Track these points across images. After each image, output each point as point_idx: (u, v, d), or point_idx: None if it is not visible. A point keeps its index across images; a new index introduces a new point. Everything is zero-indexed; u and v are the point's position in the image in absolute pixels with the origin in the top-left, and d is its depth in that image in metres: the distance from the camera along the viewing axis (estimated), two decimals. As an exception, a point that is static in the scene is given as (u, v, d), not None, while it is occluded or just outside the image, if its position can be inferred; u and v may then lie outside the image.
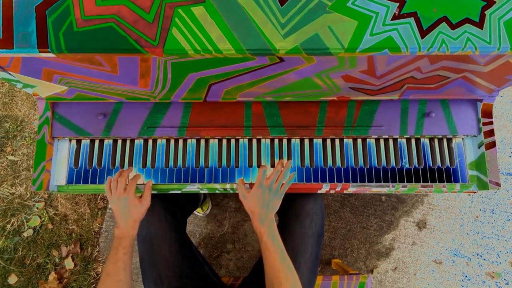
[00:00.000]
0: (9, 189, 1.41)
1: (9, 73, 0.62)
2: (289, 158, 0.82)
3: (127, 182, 0.77)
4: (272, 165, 0.81)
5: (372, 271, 1.36)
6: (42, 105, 0.79)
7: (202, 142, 0.83)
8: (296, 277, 0.67)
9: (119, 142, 0.83)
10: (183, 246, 0.83)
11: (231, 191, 0.81)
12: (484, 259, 1.35)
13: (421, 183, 0.81)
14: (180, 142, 0.83)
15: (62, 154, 0.82)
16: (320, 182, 0.81)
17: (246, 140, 0.83)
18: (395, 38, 0.52)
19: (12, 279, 1.34)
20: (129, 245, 0.72)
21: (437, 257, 1.36)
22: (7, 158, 1.45)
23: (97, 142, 0.83)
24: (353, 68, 0.61)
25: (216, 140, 0.83)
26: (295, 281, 0.67)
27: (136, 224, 0.74)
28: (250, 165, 0.82)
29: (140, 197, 0.76)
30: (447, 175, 0.81)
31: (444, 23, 0.52)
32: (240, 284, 0.91)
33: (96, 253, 1.38)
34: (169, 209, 0.84)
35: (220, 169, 0.82)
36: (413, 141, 0.83)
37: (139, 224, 0.76)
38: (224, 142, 0.83)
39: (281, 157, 0.82)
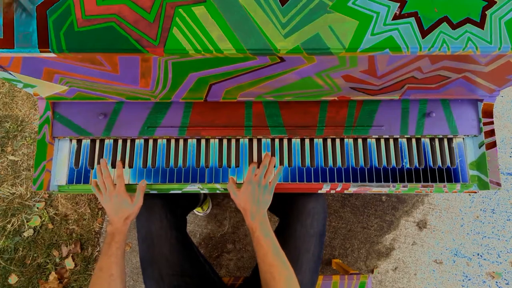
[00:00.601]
0: (9, 189, 1.41)
1: (10, 73, 0.62)
2: (289, 158, 0.82)
3: (114, 180, 0.78)
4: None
5: (372, 271, 1.36)
6: (43, 105, 0.79)
7: (203, 142, 0.83)
8: (291, 270, 0.67)
9: (120, 142, 0.83)
10: (183, 245, 0.83)
11: (232, 191, 0.81)
12: (485, 259, 1.35)
13: (422, 183, 0.81)
14: (181, 142, 0.83)
15: (63, 154, 0.82)
16: (320, 182, 0.81)
17: (246, 140, 0.83)
18: (396, 38, 0.52)
19: (13, 279, 1.34)
20: (121, 240, 0.72)
21: (438, 257, 1.36)
22: (7, 158, 1.45)
23: (97, 142, 0.83)
24: (354, 68, 0.61)
25: (217, 140, 0.83)
26: (290, 275, 0.66)
27: (128, 221, 0.75)
28: (251, 165, 0.82)
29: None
30: (448, 175, 0.81)
31: (445, 23, 0.52)
32: (241, 284, 0.91)
33: (97, 253, 1.38)
34: (170, 208, 0.84)
35: (221, 169, 0.82)
36: (413, 141, 0.83)
37: (130, 221, 0.76)
38: (225, 142, 0.83)
39: (281, 157, 0.82)
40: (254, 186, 0.74)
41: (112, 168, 0.81)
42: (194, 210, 1.35)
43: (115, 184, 0.77)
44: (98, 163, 0.81)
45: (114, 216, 0.74)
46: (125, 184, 0.79)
